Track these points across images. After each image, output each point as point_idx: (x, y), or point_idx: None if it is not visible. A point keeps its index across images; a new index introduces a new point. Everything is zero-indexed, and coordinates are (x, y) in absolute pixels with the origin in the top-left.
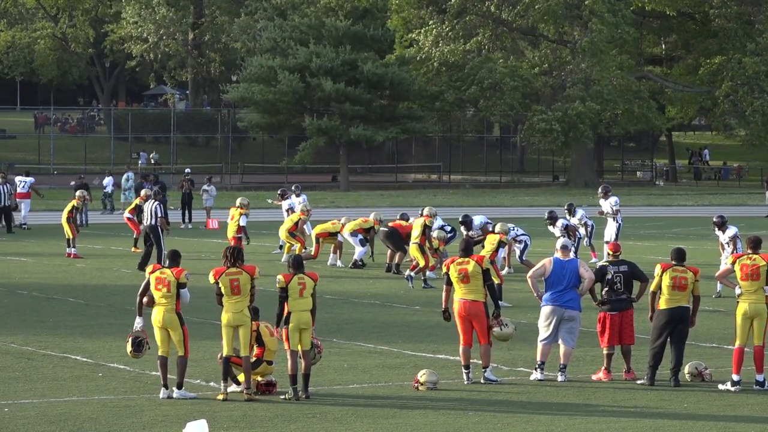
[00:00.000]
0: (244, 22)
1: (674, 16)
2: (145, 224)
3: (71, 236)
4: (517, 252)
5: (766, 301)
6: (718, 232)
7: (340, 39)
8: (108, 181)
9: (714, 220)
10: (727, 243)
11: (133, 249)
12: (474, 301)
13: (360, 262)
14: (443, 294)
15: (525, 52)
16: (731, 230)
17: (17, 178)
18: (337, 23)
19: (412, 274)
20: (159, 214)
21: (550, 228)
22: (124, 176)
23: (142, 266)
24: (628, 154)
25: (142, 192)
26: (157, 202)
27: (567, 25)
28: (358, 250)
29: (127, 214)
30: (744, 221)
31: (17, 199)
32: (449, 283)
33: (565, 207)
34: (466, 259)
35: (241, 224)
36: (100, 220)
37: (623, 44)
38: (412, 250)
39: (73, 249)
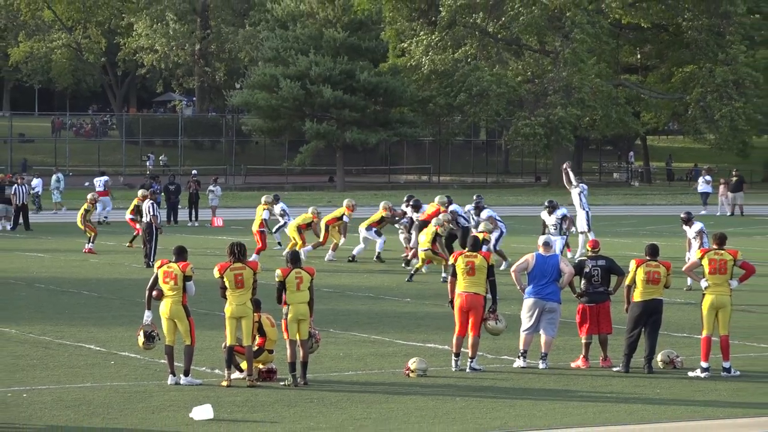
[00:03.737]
0: (248, 33)
1: (649, 27)
2: (143, 221)
3: (92, 234)
4: (492, 240)
5: (730, 293)
6: (685, 227)
7: (338, 49)
8: (37, 182)
9: (681, 216)
10: (694, 237)
11: (127, 245)
12: (476, 294)
13: (378, 257)
14: (449, 285)
15: (509, 62)
16: (697, 225)
17: (95, 180)
18: (335, 34)
19: (413, 271)
20: (151, 213)
21: (546, 217)
22: (54, 177)
23: (148, 263)
24: (606, 157)
25: (139, 192)
26: (151, 202)
27: (549, 36)
28: (378, 243)
29: (128, 215)
30: (713, 219)
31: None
32: (454, 275)
33: (546, 204)
34: (474, 254)
35: (264, 218)
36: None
37: (601, 54)
38: (421, 255)
39: (91, 244)
